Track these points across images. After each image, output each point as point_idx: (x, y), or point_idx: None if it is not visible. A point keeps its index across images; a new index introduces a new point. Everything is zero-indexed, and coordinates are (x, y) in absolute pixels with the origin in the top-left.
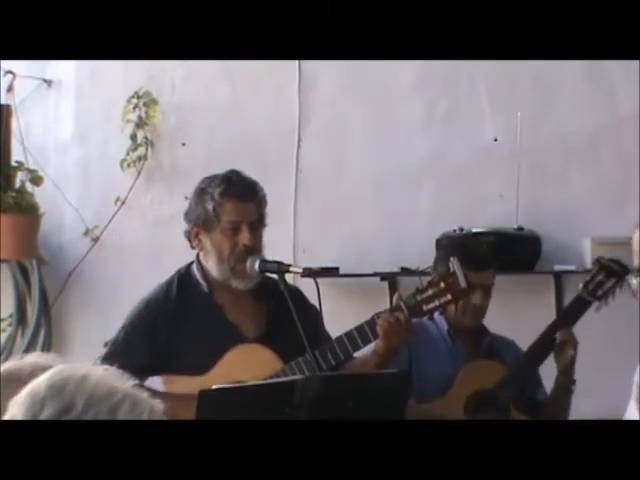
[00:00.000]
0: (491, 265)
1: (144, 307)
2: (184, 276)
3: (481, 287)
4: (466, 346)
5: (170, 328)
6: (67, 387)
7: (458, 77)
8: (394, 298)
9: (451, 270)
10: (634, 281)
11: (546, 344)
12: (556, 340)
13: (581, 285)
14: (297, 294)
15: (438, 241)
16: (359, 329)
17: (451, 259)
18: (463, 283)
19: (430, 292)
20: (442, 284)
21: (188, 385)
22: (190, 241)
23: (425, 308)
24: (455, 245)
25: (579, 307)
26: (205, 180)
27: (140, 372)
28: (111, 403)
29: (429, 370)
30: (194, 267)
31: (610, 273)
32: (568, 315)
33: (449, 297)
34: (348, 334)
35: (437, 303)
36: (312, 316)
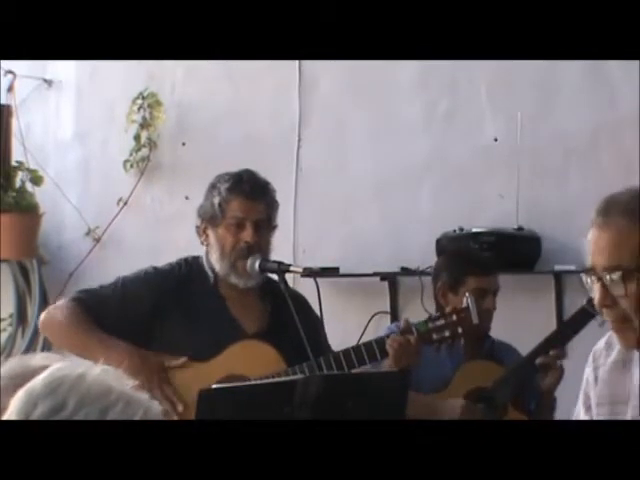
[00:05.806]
0: (495, 269)
1: (149, 269)
2: (193, 262)
3: (490, 292)
4: (467, 349)
5: (167, 301)
6: (61, 386)
7: (458, 77)
8: (402, 321)
9: (464, 305)
10: (588, 280)
11: (546, 351)
12: (542, 361)
13: (585, 300)
14: (301, 300)
15: (438, 241)
16: (367, 345)
17: (466, 294)
18: (475, 319)
19: (442, 322)
20: (454, 317)
21: (187, 370)
22: (200, 236)
23: (435, 337)
24: (458, 252)
25: (582, 319)
26: (217, 176)
27: (124, 322)
28: (104, 404)
29: (428, 371)
30: (203, 260)
31: None
32: (569, 326)
33: (460, 331)
34: (355, 348)
35: (447, 334)
36: (314, 324)
